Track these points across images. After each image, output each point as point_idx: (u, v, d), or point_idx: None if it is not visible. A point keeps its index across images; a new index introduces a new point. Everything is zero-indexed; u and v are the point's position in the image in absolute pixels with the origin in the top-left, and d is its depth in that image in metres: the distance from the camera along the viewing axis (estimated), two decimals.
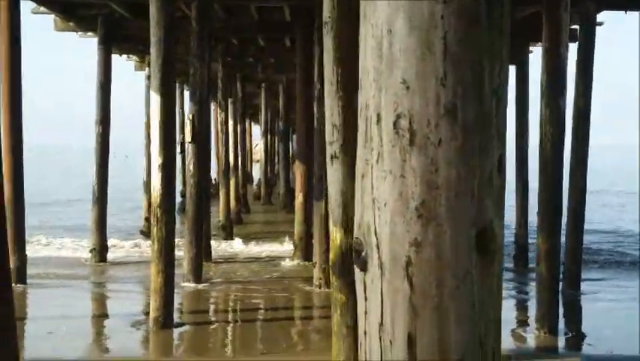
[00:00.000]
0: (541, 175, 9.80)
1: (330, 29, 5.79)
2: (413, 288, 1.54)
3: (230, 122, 22.12)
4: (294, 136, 32.78)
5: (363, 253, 1.59)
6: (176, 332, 9.89)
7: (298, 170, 15.58)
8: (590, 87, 12.36)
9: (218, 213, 19.36)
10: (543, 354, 9.24)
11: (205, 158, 14.54)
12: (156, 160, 9.35)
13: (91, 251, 15.56)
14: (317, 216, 13.21)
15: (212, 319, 11.02)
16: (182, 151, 18.85)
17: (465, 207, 1.54)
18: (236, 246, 17.93)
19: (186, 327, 10.17)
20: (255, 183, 35.87)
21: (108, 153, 15.44)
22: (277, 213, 25.38)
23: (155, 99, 9.17)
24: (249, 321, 10.96)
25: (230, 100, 21.77)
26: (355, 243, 1.62)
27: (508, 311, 11.21)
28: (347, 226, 6.06)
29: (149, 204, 19.45)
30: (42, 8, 14.35)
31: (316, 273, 12.93)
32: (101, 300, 13.07)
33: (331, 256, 6.25)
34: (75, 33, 15.99)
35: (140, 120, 20.02)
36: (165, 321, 9.88)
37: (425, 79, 1.53)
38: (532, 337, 9.85)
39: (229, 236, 19.25)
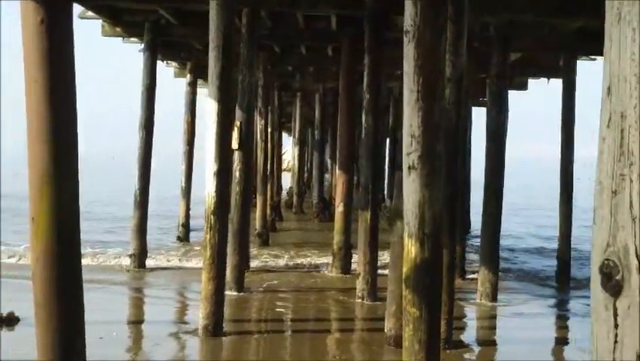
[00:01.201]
0: None
1: (412, 38, 5.66)
2: None
3: (269, 130, 22.09)
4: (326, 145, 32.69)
5: (618, 277, 1.46)
6: (225, 340, 9.80)
7: (340, 179, 15.44)
8: None
9: (253, 221, 19.28)
10: None
11: (250, 166, 14.49)
12: (212, 167, 9.24)
13: (130, 256, 15.50)
14: (362, 226, 13.06)
15: (260, 328, 10.91)
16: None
17: None
18: (273, 254, 17.83)
19: (234, 336, 10.07)
20: (285, 191, 35.79)
21: (151, 157, 15.40)
22: (310, 222, 25.32)
23: (213, 106, 9.07)
24: (297, 332, 10.86)
25: (269, 108, 21.75)
26: (605, 265, 1.49)
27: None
28: (423, 238, 5.93)
29: (187, 210, 19.67)
30: (89, 13, 14.38)
31: (359, 284, 12.77)
32: (143, 306, 13.03)
33: (405, 269, 6.10)
34: (121, 39, 16.06)
35: (178, 127, 20.02)
36: (215, 329, 9.79)
37: None
38: None
39: (265, 244, 19.20)
